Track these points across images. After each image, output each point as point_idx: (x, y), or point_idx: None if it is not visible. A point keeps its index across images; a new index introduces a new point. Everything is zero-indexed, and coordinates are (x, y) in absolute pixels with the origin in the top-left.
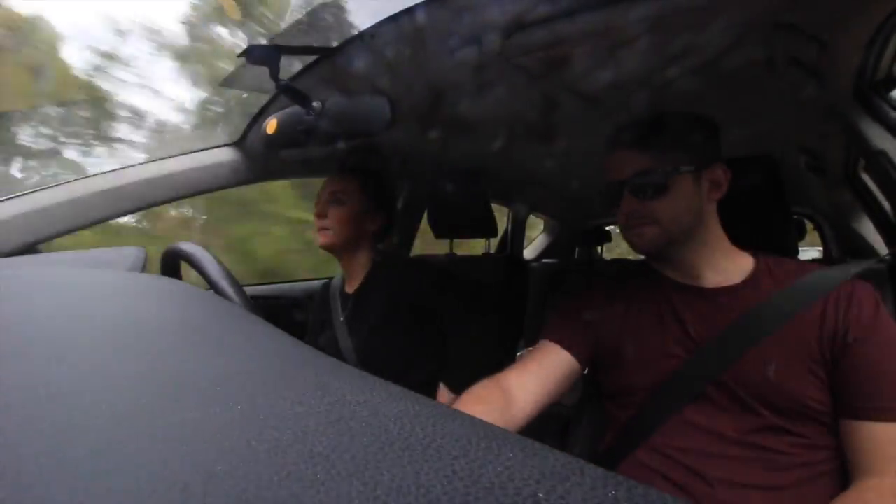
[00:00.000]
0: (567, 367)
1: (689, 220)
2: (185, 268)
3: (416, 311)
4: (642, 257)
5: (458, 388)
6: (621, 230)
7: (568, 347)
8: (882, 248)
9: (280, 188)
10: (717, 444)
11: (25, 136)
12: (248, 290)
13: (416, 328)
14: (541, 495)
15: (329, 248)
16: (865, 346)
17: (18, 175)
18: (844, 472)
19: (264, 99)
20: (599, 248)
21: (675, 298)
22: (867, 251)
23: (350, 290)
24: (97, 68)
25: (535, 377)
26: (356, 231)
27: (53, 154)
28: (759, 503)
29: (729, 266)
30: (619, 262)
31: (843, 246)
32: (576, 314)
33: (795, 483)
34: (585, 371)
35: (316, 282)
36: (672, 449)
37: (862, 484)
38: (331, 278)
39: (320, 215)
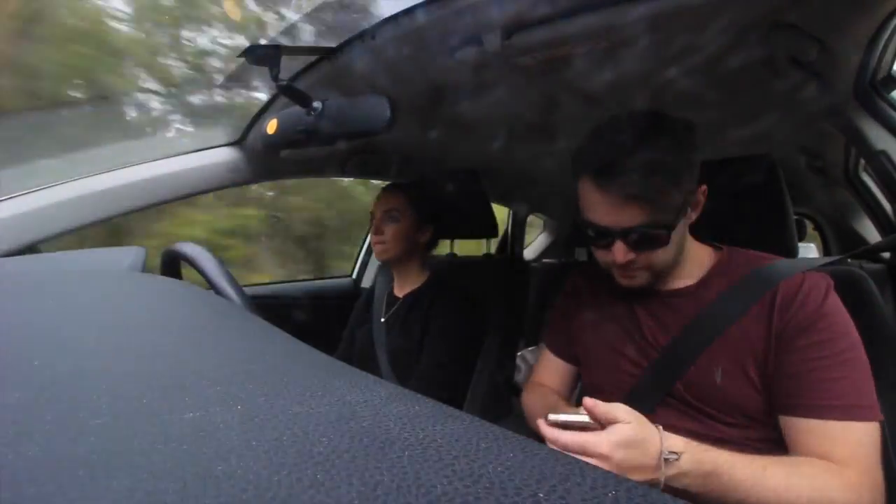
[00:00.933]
0: (566, 370)
1: (679, 253)
2: (185, 268)
3: (451, 336)
4: None
5: (455, 387)
6: (609, 269)
7: (558, 354)
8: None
9: None
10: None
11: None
12: (248, 289)
13: (447, 346)
14: (541, 495)
15: (387, 261)
16: (806, 341)
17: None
18: None
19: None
20: None
21: (636, 303)
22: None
23: (399, 293)
24: None
25: (555, 377)
26: (409, 244)
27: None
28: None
29: (691, 267)
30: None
31: (844, 246)
32: (562, 318)
33: None
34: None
35: (316, 282)
36: None
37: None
38: (331, 278)
39: (378, 231)
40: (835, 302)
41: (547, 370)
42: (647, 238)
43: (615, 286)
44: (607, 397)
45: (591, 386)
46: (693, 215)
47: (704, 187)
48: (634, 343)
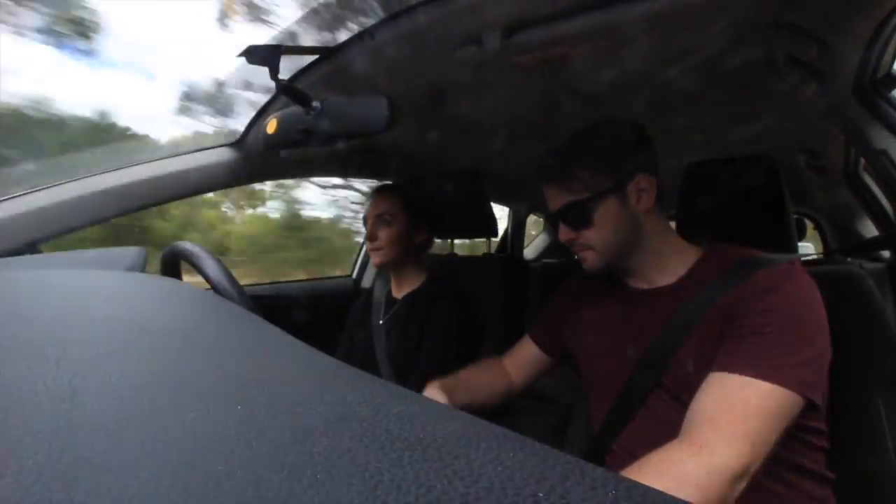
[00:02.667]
0: (538, 358)
1: (624, 238)
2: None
3: (450, 336)
4: None
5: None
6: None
7: (539, 344)
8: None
9: None
10: (670, 434)
11: None
12: (248, 290)
13: (446, 346)
14: (541, 495)
15: (383, 266)
16: (752, 313)
17: None
18: (793, 460)
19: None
20: None
21: (624, 302)
22: (868, 252)
23: (398, 294)
24: None
25: (519, 361)
26: (405, 246)
27: None
28: None
29: (675, 265)
30: None
31: (843, 246)
32: (552, 314)
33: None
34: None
35: (316, 282)
36: (634, 442)
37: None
38: (331, 278)
39: (372, 237)
40: (792, 287)
41: (516, 352)
42: (570, 216)
43: (608, 288)
44: (603, 392)
45: (588, 382)
46: (645, 203)
47: (648, 177)
48: (624, 341)
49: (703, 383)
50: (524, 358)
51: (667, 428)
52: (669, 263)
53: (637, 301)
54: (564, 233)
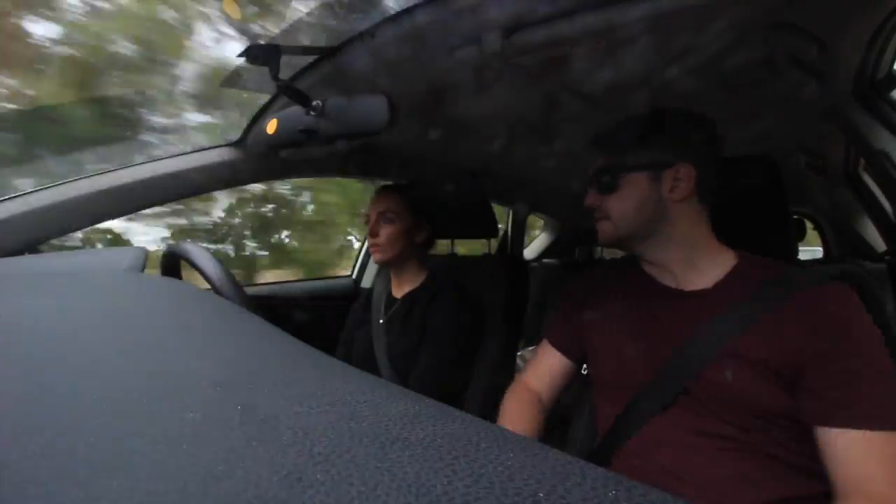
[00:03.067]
0: (563, 366)
1: (646, 218)
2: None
3: (450, 336)
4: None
5: (455, 387)
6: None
7: (563, 350)
8: (882, 247)
9: None
10: (691, 439)
11: None
12: (248, 289)
13: (446, 346)
14: (541, 495)
15: (384, 263)
16: (835, 354)
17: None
18: (807, 465)
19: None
20: (599, 248)
21: (654, 300)
22: (868, 251)
23: (398, 294)
24: None
25: (545, 376)
26: (406, 245)
27: None
28: (726, 492)
29: (708, 267)
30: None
31: (844, 246)
32: (569, 315)
33: (762, 475)
34: (584, 370)
35: (316, 282)
36: (647, 445)
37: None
38: (332, 278)
39: (373, 234)
40: (860, 314)
41: (541, 364)
42: (600, 178)
43: (635, 284)
44: (615, 393)
45: (599, 382)
46: (677, 193)
47: (690, 169)
48: (649, 340)
49: (841, 442)
50: (548, 370)
51: (684, 433)
52: (702, 264)
53: (668, 300)
54: (591, 197)
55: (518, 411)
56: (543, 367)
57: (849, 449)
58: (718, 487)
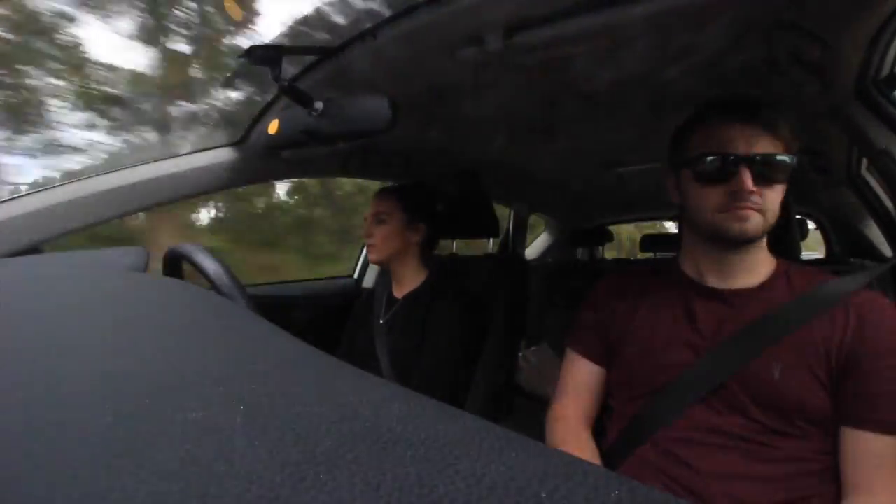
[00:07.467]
0: (598, 374)
1: (772, 223)
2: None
3: (451, 336)
4: (641, 257)
5: (456, 387)
6: (712, 213)
7: (591, 357)
8: (885, 248)
9: None
10: (715, 439)
11: None
12: (250, 289)
13: (447, 346)
14: (543, 495)
15: (378, 263)
16: (879, 362)
17: None
18: (834, 470)
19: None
20: (600, 248)
21: (691, 298)
22: (870, 252)
23: (398, 294)
24: None
25: (585, 392)
26: (400, 245)
27: None
28: (749, 494)
29: (756, 268)
30: (621, 262)
31: (846, 247)
32: (594, 322)
33: (784, 476)
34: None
35: (318, 282)
36: (671, 442)
37: (852, 500)
38: (333, 278)
39: (368, 234)
40: None
41: (576, 382)
42: (765, 164)
43: (670, 282)
44: (640, 387)
45: (620, 383)
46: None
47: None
48: (685, 339)
49: (867, 445)
50: (585, 385)
51: (714, 432)
52: (756, 264)
53: (709, 299)
54: (744, 182)
55: (576, 444)
56: (581, 385)
57: (871, 450)
58: (742, 486)
